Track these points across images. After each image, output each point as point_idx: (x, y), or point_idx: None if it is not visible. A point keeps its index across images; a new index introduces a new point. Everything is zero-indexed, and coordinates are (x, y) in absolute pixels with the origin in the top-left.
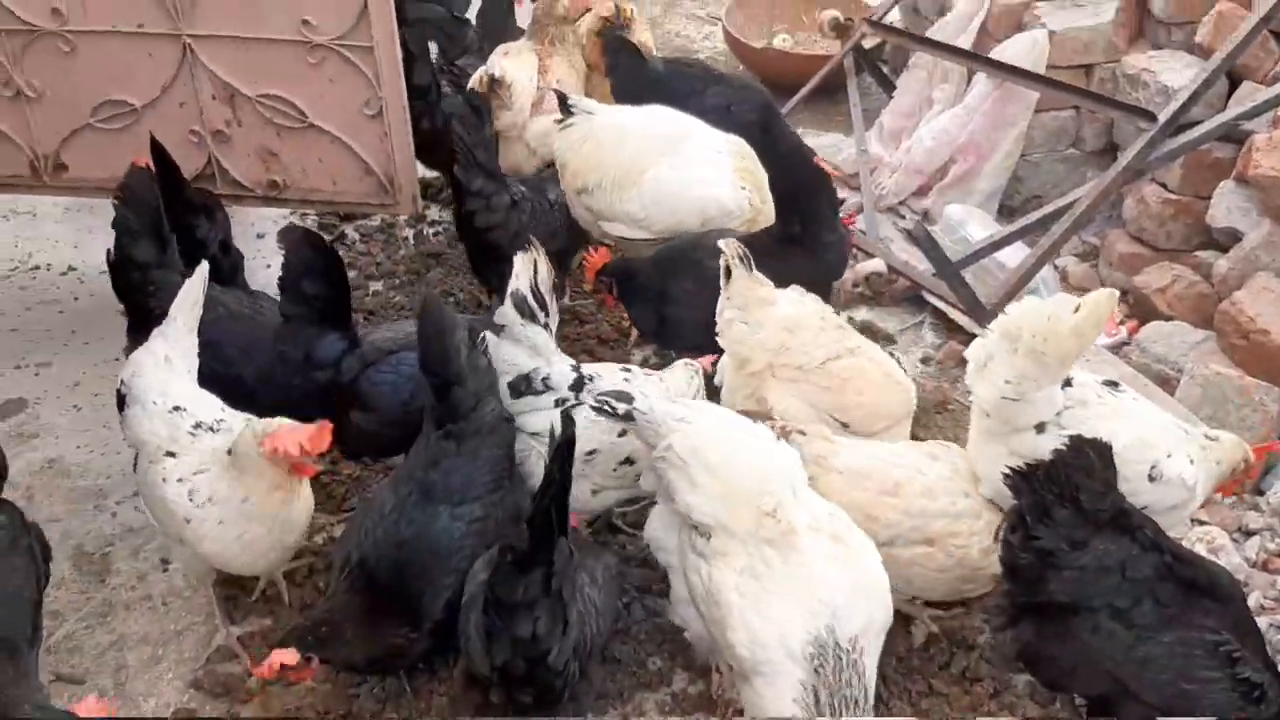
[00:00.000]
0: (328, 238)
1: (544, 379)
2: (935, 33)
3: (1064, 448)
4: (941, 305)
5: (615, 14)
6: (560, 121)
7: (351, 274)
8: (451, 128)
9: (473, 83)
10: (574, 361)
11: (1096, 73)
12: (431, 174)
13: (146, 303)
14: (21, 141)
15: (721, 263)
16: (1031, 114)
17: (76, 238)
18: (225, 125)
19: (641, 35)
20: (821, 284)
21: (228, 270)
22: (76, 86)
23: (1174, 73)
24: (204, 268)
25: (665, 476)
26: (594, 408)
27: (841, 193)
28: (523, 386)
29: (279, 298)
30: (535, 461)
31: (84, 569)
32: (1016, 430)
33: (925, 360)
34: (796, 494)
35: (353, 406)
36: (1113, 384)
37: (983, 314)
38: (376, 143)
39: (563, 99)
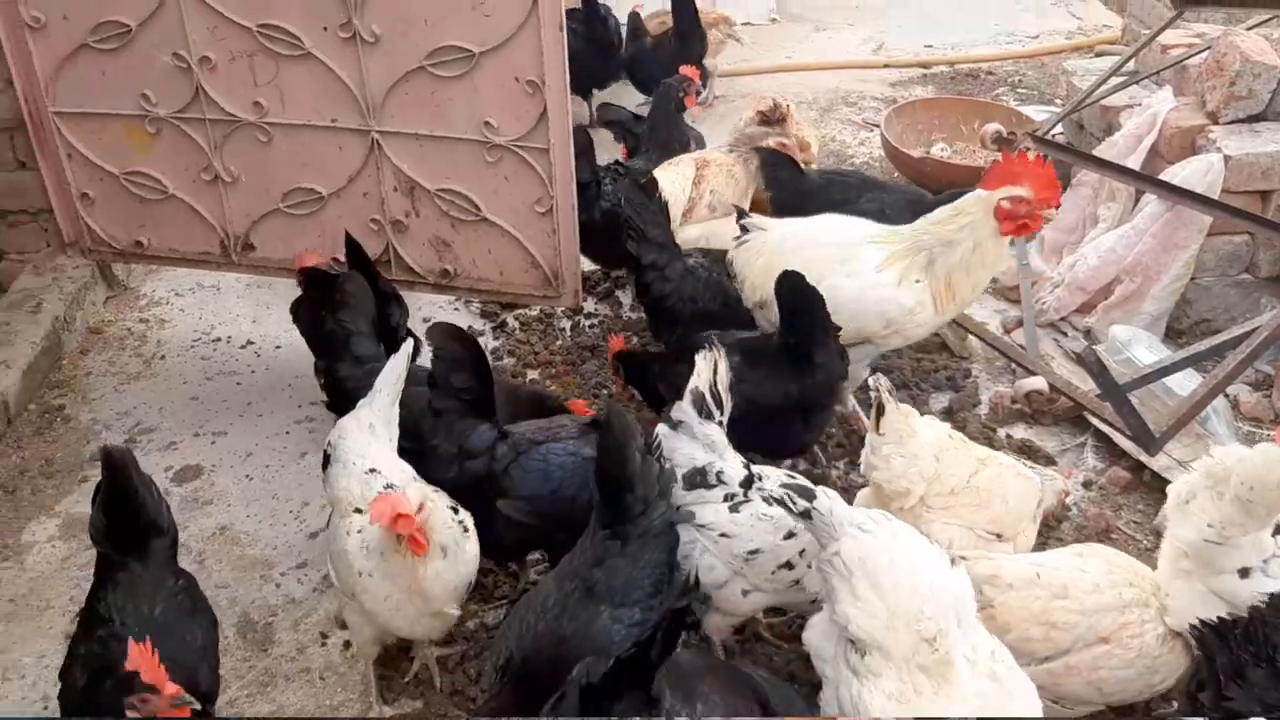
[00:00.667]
0: (490, 325)
1: (718, 474)
2: (1103, 151)
3: (1263, 605)
4: (1105, 429)
5: (772, 109)
6: (736, 239)
7: (509, 361)
8: (623, 206)
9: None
10: (744, 459)
11: (1274, 199)
12: (589, 267)
13: (354, 393)
14: (215, 222)
15: (873, 399)
16: (1203, 238)
17: (256, 313)
18: (404, 215)
19: (803, 132)
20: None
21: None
22: (270, 174)
23: None
24: (409, 345)
25: (829, 582)
26: (774, 499)
27: (1000, 304)
28: (696, 480)
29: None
30: (700, 554)
31: (248, 637)
32: (1217, 572)
33: (1087, 485)
34: (961, 623)
35: (501, 495)
36: None
37: (1151, 441)
38: (544, 238)
39: (740, 214)
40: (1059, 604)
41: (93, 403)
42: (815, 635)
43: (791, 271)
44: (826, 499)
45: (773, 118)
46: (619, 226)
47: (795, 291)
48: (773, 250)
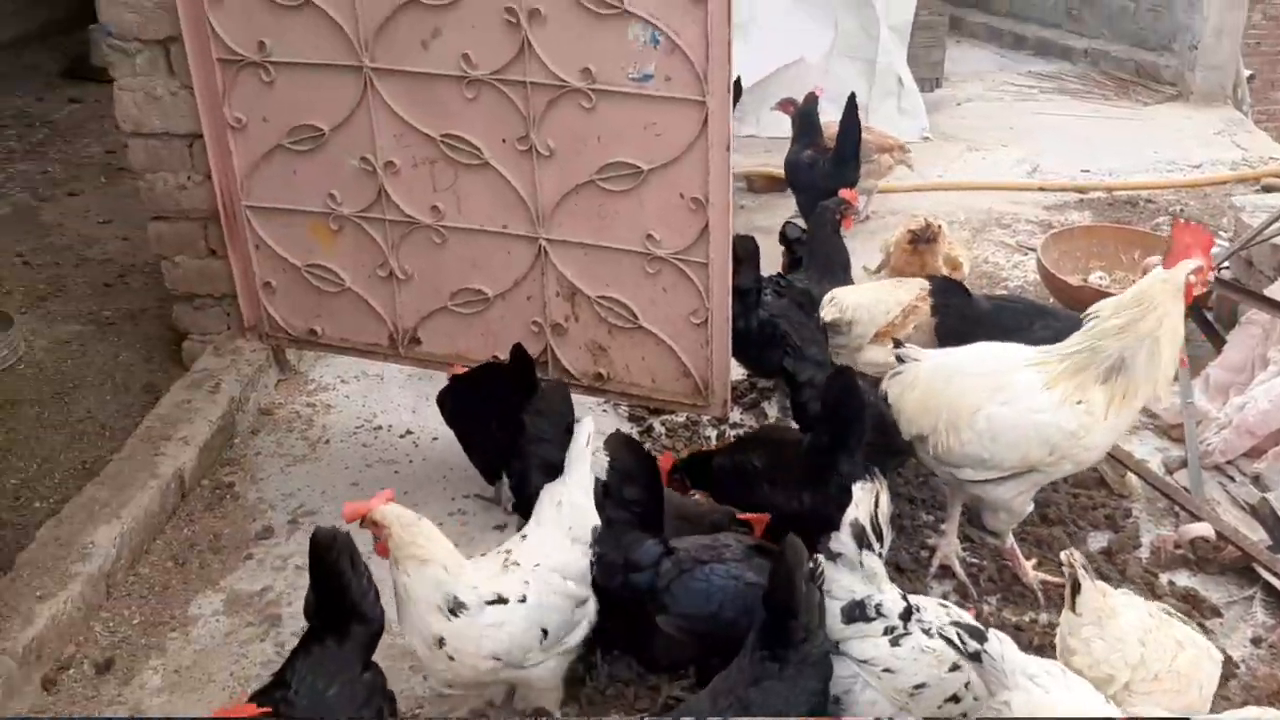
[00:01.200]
0: (637, 429)
1: (877, 606)
2: (1275, 291)
3: None
4: (1276, 583)
5: (924, 228)
6: (891, 370)
7: None
8: (780, 322)
9: (824, 314)
10: (902, 590)
11: None
12: (738, 375)
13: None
14: (386, 316)
15: (1066, 575)
16: None
17: (415, 404)
18: (564, 319)
19: (956, 252)
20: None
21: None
22: (441, 273)
23: None
24: (589, 424)
25: None
26: (943, 636)
27: (1161, 442)
28: (855, 613)
29: (608, 500)
30: (861, 689)
31: None
32: None
33: (1256, 641)
34: None
35: (661, 611)
36: None
37: None
38: (697, 348)
39: (896, 343)
40: None
41: (260, 482)
42: None
43: (845, 369)
44: (998, 642)
45: (923, 237)
46: (774, 337)
47: (844, 391)
48: (927, 381)
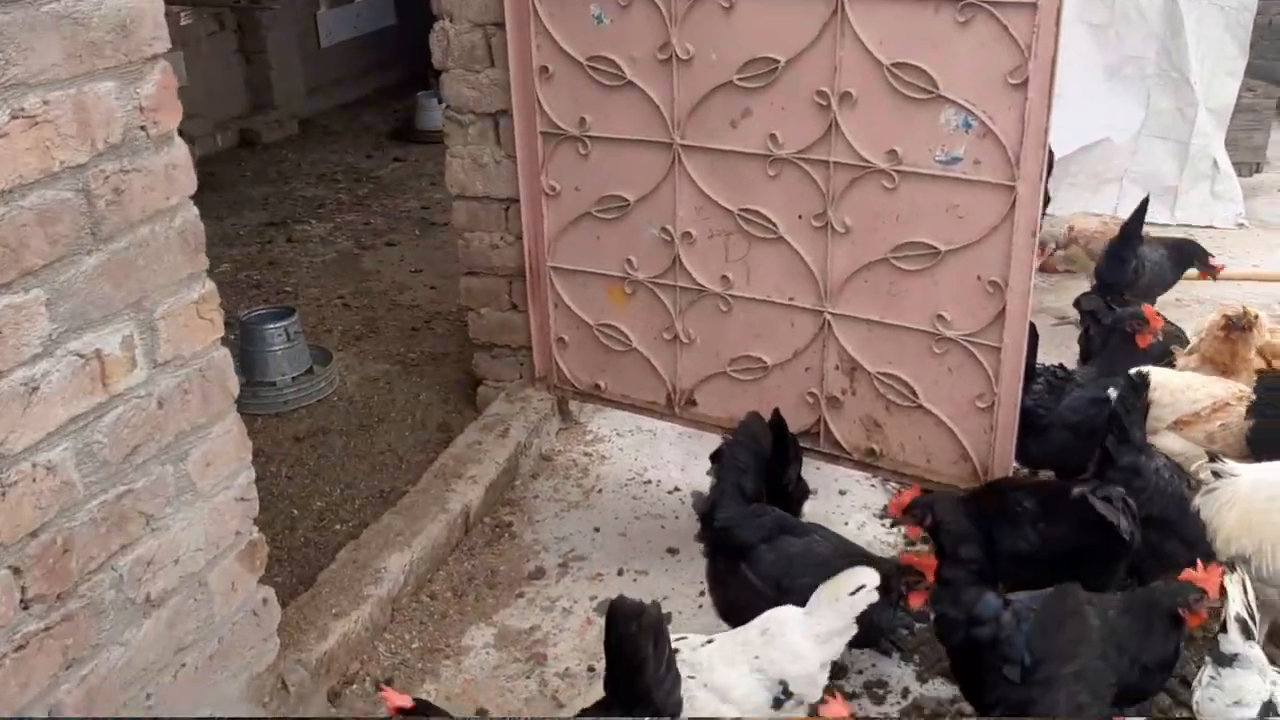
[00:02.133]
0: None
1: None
2: None
3: None
4: None
5: (1240, 315)
6: (1206, 485)
7: (921, 547)
8: (1116, 403)
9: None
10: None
11: None
12: None
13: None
14: (666, 376)
15: None
16: None
17: (684, 461)
18: (840, 393)
19: (1276, 339)
20: None
21: (796, 499)
22: (723, 340)
23: None
24: (868, 577)
25: None
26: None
27: None
28: (1269, 714)
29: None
30: None
31: None
32: None
33: None
34: None
35: (1005, 661)
36: None
37: None
38: (981, 433)
39: (1211, 457)
40: None
41: (536, 524)
42: None
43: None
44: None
45: (1238, 324)
46: (1037, 429)
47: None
48: (1246, 499)
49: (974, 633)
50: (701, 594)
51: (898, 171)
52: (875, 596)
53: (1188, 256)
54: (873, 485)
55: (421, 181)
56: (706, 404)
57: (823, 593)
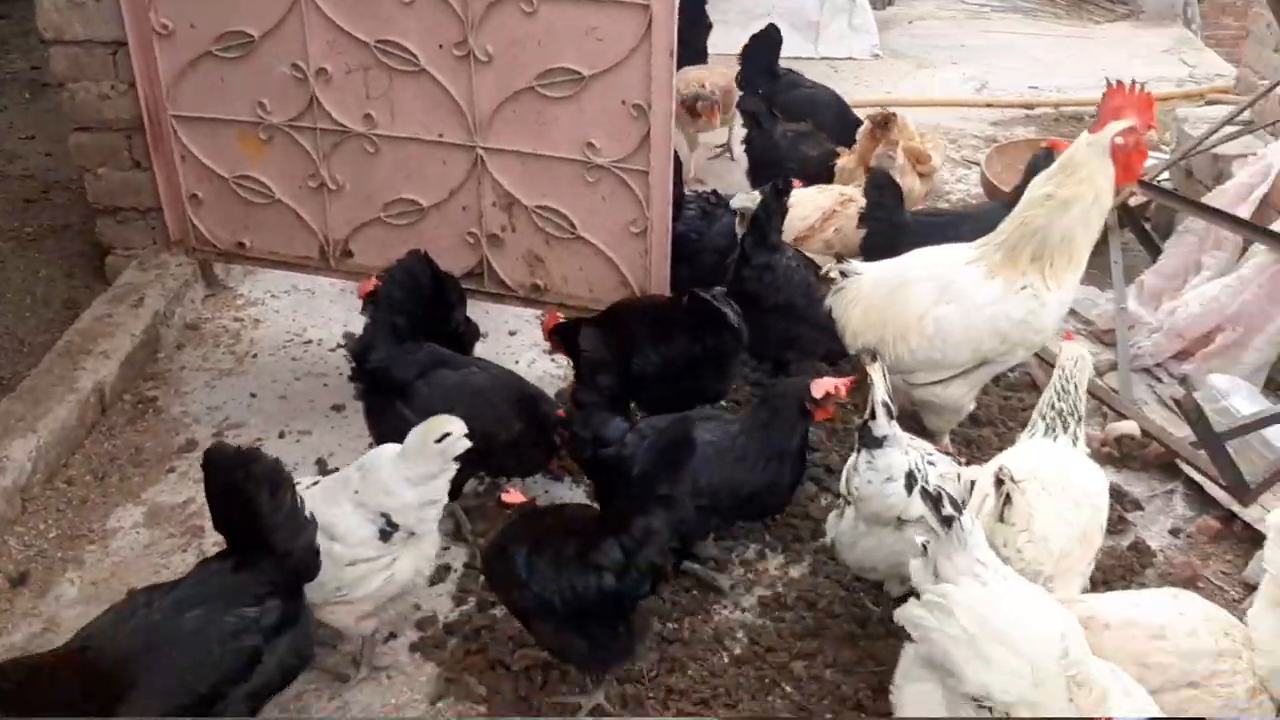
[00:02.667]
0: None
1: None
2: (1212, 199)
3: None
4: (1197, 476)
5: (879, 115)
6: (835, 285)
7: None
8: (759, 208)
9: (734, 203)
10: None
11: None
12: None
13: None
14: (316, 228)
15: (998, 491)
16: None
17: (347, 317)
18: (500, 230)
19: (921, 144)
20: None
21: (466, 341)
22: (374, 184)
23: None
24: (456, 426)
25: (946, 655)
26: (927, 491)
27: (1094, 346)
28: (911, 481)
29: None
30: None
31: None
32: None
33: (1174, 532)
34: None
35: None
36: None
37: (1245, 492)
38: (636, 258)
39: (837, 258)
40: (1156, 644)
41: (184, 396)
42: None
43: (697, 294)
44: (973, 523)
45: (878, 122)
46: (688, 254)
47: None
48: (869, 295)
49: (600, 453)
50: (370, 446)
51: None
52: (465, 443)
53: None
54: (542, 320)
55: (29, 39)
56: (364, 254)
57: (412, 438)
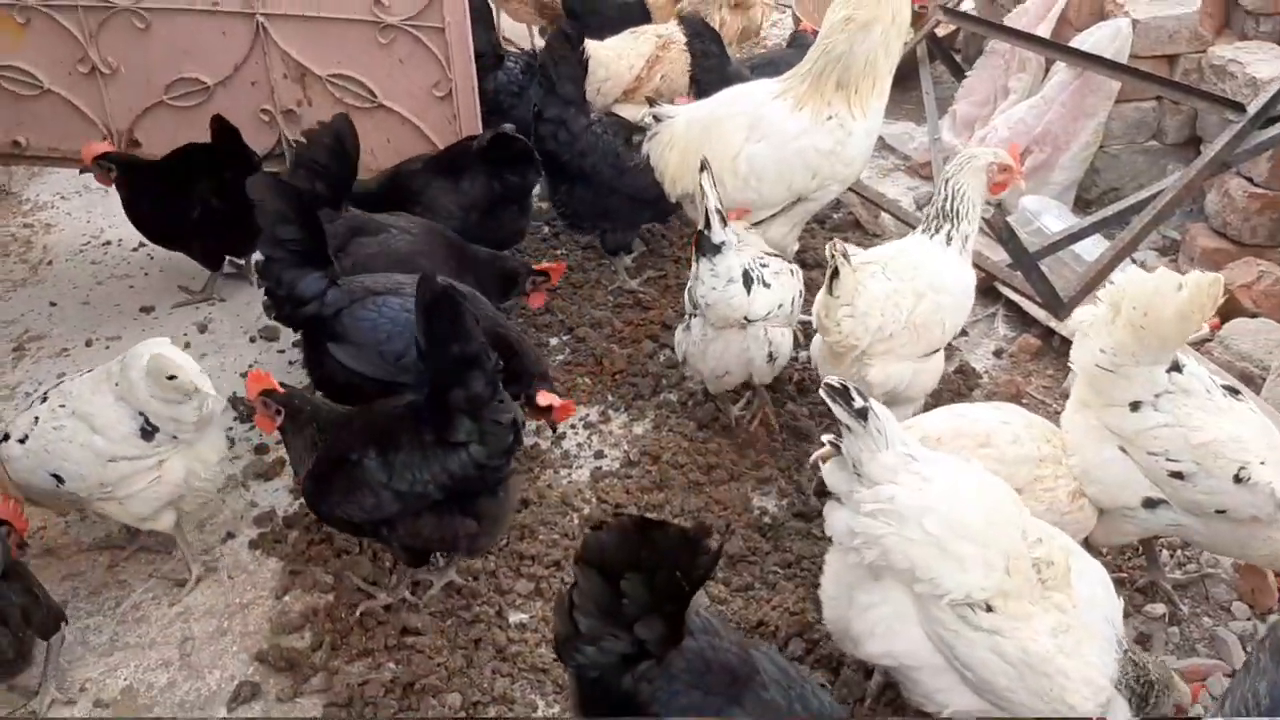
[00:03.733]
0: None
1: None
2: (1013, 20)
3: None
4: (1015, 298)
5: None
6: (649, 131)
7: None
8: (541, 55)
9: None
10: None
11: (1181, 63)
12: None
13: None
14: (96, 118)
15: (828, 261)
16: (1111, 105)
17: None
18: (296, 104)
19: None
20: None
21: None
22: (150, 64)
23: (1263, 64)
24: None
25: (911, 563)
26: (829, 387)
27: (912, 181)
28: (749, 277)
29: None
30: None
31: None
32: (1109, 403)
33: (998, 353)
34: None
35: (331, 340)
36: (1233, 391)
37: (1059, 307)
38: (445, 124)
39: (649, 102)
40: (982, 452)
41: None
42: (886, 634)
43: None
44: (885, 412)
45: None
46: (506, 110)
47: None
48: (682, 138)
49: (300, 312)
50: (187, 347)
51: None
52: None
53: None
54: None
55: None
56: (152, 142)
57: (133, 367)
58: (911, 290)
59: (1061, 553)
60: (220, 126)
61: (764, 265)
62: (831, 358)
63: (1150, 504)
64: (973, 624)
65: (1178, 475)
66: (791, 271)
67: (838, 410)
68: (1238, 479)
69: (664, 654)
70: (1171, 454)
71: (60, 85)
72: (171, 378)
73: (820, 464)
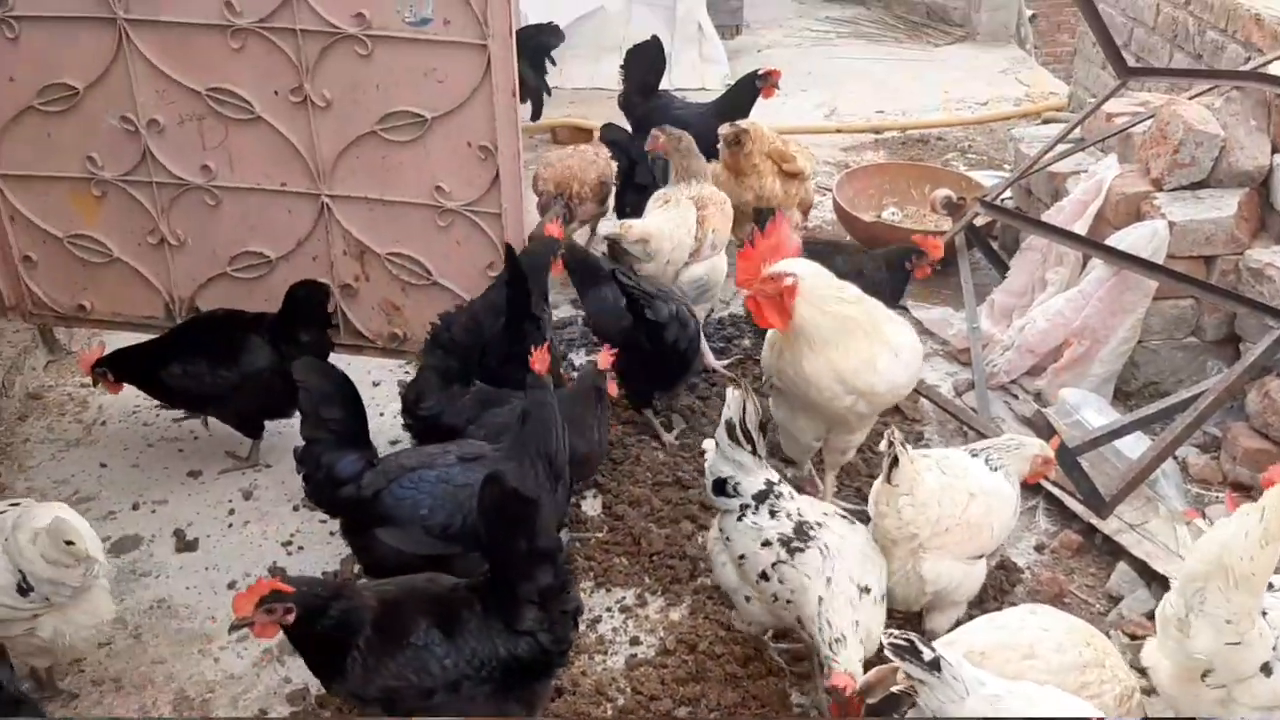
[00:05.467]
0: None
1: (735, 485)
2: (1051, 217)
3: None
4: (1057, 492)
5: (730, 131)
6: None
7: None
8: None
9: (610, 231)
10: (775, 478)
11: (1218, 265)
12: None
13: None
14: (160, 286)
15: (886, 451)
16: (1149, 301)
17: None
18: (354, 280)
19: (786, 149)
20: None
21: None
22: (217, 237)
23: None
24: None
25: None
26: (895, 646)
27: (951, 367)
28: (719, 488)
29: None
30: (718, 553)
31: (184, 712)
32: (1241, 679)
33: (1039, 548)
34: None
35: (377, 523)
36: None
37: (1101, 505)
38: None
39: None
40: (1028, 664)
41: (30, 470)
42: None
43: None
44: (956, 656)
45: (730, 141)
46: None
47: None
48: None
49: (339, 494)
50: (231, 513)
51: (369, 36)
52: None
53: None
54: (407, 372)
55: None
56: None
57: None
58: (964, 489)
59: None
60: (311, 290)
61: (758, 502)
62: (885, 550)
63: None
64: None
65: None
66: (758, 535)
67: (909, 668)
68: None
69: None
70: None
71: (129, 254)
72: (69, 543)
73: (865, 694)
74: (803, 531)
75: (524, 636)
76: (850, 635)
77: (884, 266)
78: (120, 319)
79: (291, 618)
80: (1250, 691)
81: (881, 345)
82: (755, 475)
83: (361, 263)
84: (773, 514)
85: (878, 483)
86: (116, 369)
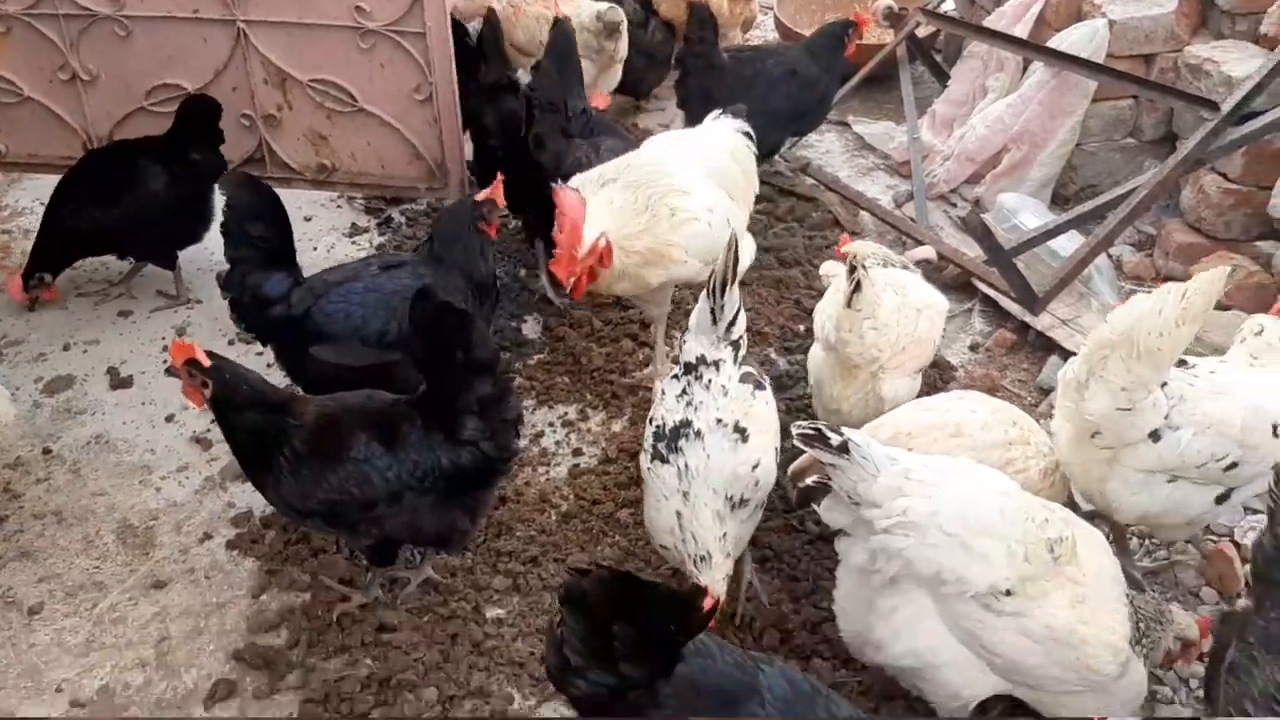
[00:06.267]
0: (375, 221)
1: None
2: (992, 22)
3: None
4: (992, 293)
5: None
6: None
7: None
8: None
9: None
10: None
11: (1157, 62)
12: None
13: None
14: (76, 124)
15: (850, 277)
16: (1089, 103)
17: None
18: (276, 109)
19: None
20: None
21: None
22: (131, 71)
23: (1238, 63)
24: None
25: (937, 567)
26: (803, 435)
27: (891, 180)
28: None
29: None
30: None
31: (128, 542)
32: (1128, 444)
33: (974, 347)
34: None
35: (311, 341)
36: (1181, 362)
37: (1035, 302)
38: (426, 127)
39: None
40: (955, 442)
41: None
42: (924, 638)
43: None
44: (864, 437)
45: None
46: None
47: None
48: None
49: (269, 314)
50: (165, 350)
51: None
52: None
53: None
54: (339, 205)
55: None
56: None
57: None
58: (913, 305)
59: (1066, 526)
60: (199, 105)
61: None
62: (843, 374)
63: (1220, 499)
64: (996, 611)
65: (1232, 466)
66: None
67: (818, 453)
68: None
69: (652, 684)
70: (1217, 454)
71: (40, 93)
72: None
73: (795, 480)
74: (676, 434)
75: (466, 446)
76: (716, 552)
77: (818, 58)
78: (38, 160)
79: (208, 392)
80: (1136, 454)
81: (680, 232)
82: (698, 341)
83: (284, 91)
84: (682, 394)
85: (835, 308)
86: (41, 265)
